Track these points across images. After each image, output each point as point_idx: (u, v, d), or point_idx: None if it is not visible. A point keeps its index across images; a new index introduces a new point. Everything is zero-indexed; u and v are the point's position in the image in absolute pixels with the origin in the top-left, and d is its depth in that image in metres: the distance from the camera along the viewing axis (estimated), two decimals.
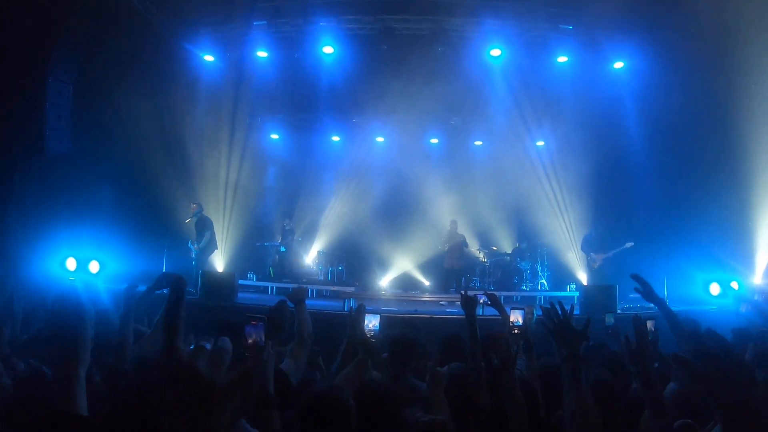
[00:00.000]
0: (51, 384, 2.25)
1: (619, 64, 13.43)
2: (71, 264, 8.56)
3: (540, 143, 16.77)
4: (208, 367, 2.15)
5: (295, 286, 4.12)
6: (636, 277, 4.53)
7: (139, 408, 2.62)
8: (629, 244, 12.65)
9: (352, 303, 10.75)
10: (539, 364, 4.12)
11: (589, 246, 13.26)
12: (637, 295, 11.45)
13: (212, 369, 2.24)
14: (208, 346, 2.99)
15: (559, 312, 2.74)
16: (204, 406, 2.11)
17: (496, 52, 13.29)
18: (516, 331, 4.26)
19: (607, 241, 13.05)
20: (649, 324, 4.82)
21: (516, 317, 4.36)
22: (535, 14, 12.58)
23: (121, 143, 12.25)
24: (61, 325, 2.28)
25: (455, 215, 16.37)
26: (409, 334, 4.38)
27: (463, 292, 4.67)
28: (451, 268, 14.23)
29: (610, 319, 5.11)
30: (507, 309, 4.65)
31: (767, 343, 3.82)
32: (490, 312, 5.29)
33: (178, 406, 2.19)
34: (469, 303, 4.47)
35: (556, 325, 2.74)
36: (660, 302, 4.59)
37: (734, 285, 8.30)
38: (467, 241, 14.98)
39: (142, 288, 4.20)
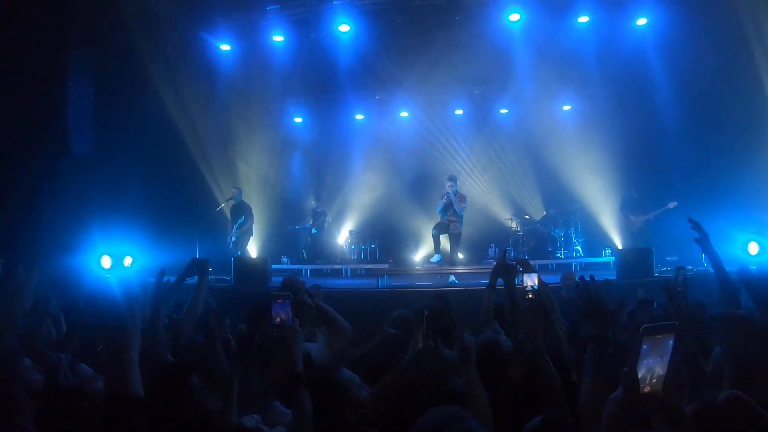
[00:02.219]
0: (105, 369, 2.38)
1: (642, 21, 13.02)
2: (106, 262, 8.70)
3: (566, 107, 16.49)
4: None
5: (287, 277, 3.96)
6: (693, 223, 4.40)
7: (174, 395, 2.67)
8: (672, 204, 12.06)
9: (386, 280, 10.76)
10: (583, 329, 4.00)
11: (628, 208, 12.87)
12: (674, 258, 11.18)
13: None
14: None
15: (591, 291, 2.66)
16: None
17: (515, 17, 13.03)
18: (530, 296, 4.17)
19: (648, 202, 12.61)
20: (682, 274, 4.67)
21: (531, 281, 4.26)
22: None
23: (145, 137, 12.41)
24: (108, 315, 2.38)
25: (485, 184, 16.25)
26: (443, 306, 4.34)
27: (499, 260, 4.61)
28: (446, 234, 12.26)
29: (641, 292, 4.98)
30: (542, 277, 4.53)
31: None
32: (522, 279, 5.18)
33: None
34: (507, 271, 4.41)
35: (586, 304, 2.67)
36: (714, 255, 4.42)
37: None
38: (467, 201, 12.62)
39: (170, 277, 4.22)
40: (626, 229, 12.95)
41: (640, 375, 1.73)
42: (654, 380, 1.74)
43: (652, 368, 1.74)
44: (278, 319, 2.98)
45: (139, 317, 2.43)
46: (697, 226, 4.42)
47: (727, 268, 4.62)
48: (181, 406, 2.63)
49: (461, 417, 1.87)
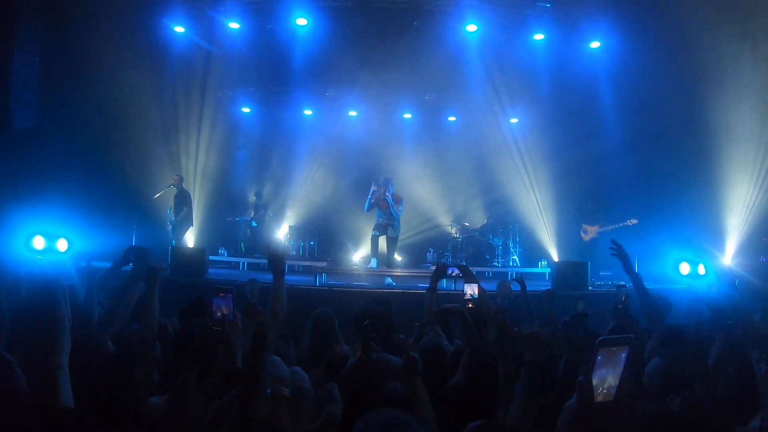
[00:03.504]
0: (32, 375, 2.10)
1: (595, 44, 13.45)
2: (39, 242, 8.30)
3: (514, 120, 16.80)
4: None
5: (274, 249, 3.95)
6: (615, 244, 4.58)
7: (119, 388, 2.55)
8: (632, 221, 12.06)
9: (324, 278, 10.71)
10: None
11: (583, 217, 13.02)
12: (608, 273, 11.50)
13: None
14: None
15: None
16: None
17: (472, 28, 13.18)
18: (470, 305, 4.24)
19: (603, 214, 12.81)
20: (623, 294, 4.89)
21: (471, 290, 4.35)
22: None
23: (89, 116, 12.00)
24: (37, 312, 2.14)
25: (428, 189, 16.35)
26: (376, 309, 4.35)
27: (437, 265, 4.75)
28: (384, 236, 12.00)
29: (581, 305, 5.12)
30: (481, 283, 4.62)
31: (735, 337, 3.88)
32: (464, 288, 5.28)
33: None
34: (435, 272, 4.58)
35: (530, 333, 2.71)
36: (635, 276, 4.62)
37: (701, 269, 8.37)
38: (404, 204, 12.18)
39: (100, 264, 4.07)
40: (577, 239, 13.07)
41: (594, 384, 1.78)
42: (606, 390, 1.80)
43: (605, 378, 1.79)
44: (219, 314, 2.93)
45: (68, 315, 2.21)
46: (618, 248, 4.62)
47: (657, 286, 4.86)
48: (126, 402, 2.52)
49: (403, 422, 1.84)
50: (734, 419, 2.99)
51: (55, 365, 2.04)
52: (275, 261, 3.81)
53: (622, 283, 5.14)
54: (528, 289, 5.30)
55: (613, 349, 1.80)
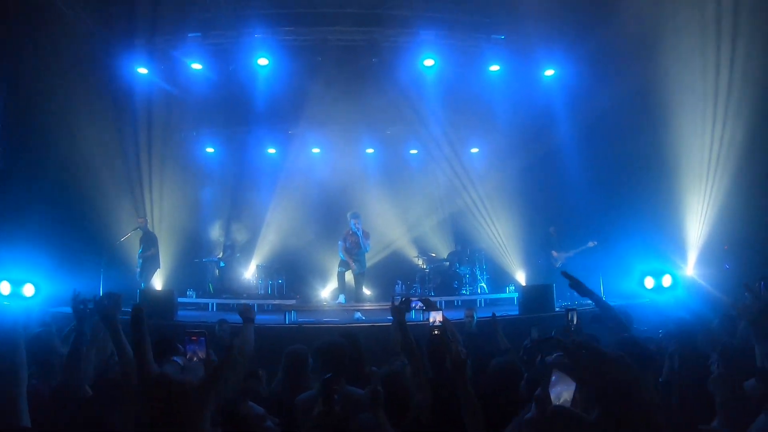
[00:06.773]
0: None
1: (549, 72, 13.92)
2: (5, 288, 8.15)
3: (474, 150, 17.12)
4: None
5: (242, 304, 4.13)
6: (566, 275, 4.74)
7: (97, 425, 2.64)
8: (592, 244, 12.71)
9: (294, 316, 10.68)
10: (494, 363, 4.23)
11: (549, 245, 13.35)
12: (575, 293, 11.68)
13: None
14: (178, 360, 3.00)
15: None
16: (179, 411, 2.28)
17: (429, 62, 13.54)
18: (436, 332, 4.37)
19: (566, 239, 13.20)
20: (572, 315, 5.06)
21: (438, 318, 4.48)
22: (467, 25, 12.93)
23: (54, 159, 11.90)
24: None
25: (393, 222, 16.48)
26: (337, 342, 4.44)
27: (392, 302, 4.86)
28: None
29: (534, 332, 5.26)
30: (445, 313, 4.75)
31: (694, 344, 4.03)
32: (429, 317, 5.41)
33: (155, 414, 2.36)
34: (396, 311, 4.65)
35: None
36: (592, 295, 4.77)
37: (667, 279, 8.61)
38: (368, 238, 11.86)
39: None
40: (550, 266, 13.28)
41: (550, 397, 1.93)
42: (561, 403, 1.95)
43: (560, 394, 1.94)
44: (195, 359, 2.95)
45: (24, 351, 2.57)
46: (569, 277, 4.77)
47: (621, 302, 5.02)
48: None
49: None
50: (696, 421, 3.14)
51: (16, 394, 2.43)
52: (245, 311, 3.92)
53: (573, 307, 5.32)
54: (498, 314, 5.42)
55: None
